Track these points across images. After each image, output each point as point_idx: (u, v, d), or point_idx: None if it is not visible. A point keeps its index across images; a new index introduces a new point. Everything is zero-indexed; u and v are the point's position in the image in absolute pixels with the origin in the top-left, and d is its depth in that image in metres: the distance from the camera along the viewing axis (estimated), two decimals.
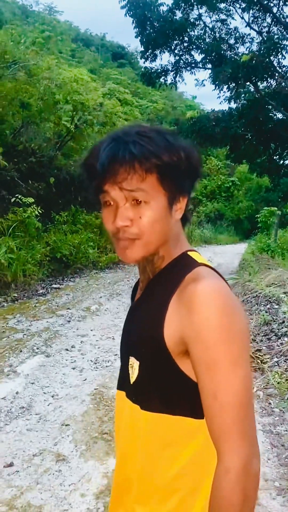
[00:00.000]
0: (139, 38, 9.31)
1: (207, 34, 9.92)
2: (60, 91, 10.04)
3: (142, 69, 10.60)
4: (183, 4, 9.40)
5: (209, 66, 9.85)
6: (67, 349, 4.33)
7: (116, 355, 4.18)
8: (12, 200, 7.42)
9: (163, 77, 10.21)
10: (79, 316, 5.58)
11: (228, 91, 9.69)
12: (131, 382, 0.85)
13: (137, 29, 9.27)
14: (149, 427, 0.81)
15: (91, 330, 5.00)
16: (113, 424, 0.98)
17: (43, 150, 10.23)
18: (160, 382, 0.80)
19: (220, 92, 9.75)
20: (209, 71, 9.86)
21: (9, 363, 3.90)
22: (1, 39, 8.58)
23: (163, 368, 0.78)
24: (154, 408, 0.80)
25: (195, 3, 9.37)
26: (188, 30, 9.58)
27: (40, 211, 7.67)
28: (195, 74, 11.36)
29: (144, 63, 9.79)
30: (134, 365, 0.84)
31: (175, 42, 9.76)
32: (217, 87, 9.51)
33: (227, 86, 9.43)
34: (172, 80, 10.39)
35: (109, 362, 4.01)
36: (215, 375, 0.70)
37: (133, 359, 0.85)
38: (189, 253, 0.84)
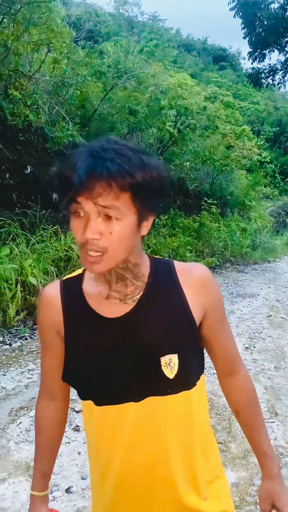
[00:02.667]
0: (248, 38, 9.07)
1: None
2: (165, 97, 10.25)
3: (250, 70, 10.33)
4: None
5: None
6: None
7: None
8: None
9: (271, 77, 9.82)
10: None
11: None
12: (171, 378, 0.88)
13: (245, 29, 9.07)
14: (198, 398, 0.95)
15: None
16: (126, 438, 0.91)
17: None
18: (194, 357, 0.94)
19: None
20: None
21: None
22: (113, 50, 9.04)
23: (195, 345, 0.94)
24: (195, 380, 0.95)
25: None
26: None
27: None
28: None
29: (252, 63, 9.52)
30: (172, 360, 0.88)
31: (285, 39, 9.34)
32: None
33: None
34: (280, 79, 9.97)
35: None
36: (226, 325, 0.99)
37: (169, 356, 0.88)
38: (152, 256, 0.97)
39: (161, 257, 0.99)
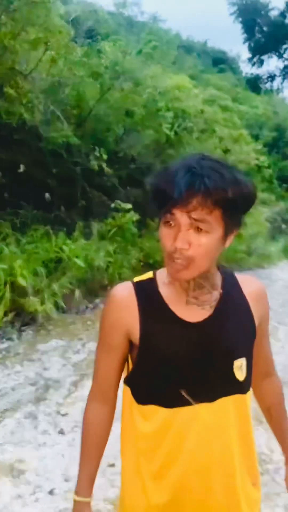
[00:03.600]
0: (247, 44, 9.08)
1: None
2: (162, 99, 10.24)
3: (249, 75, 10.35)
4: None
5: None
6: None
7: None
8: (112, 205, 7.71)
9: (269, 83, 9.85)
10: None
11: None
12: (241, 380, 0.96)
13: (245, 35, 9.08)
14: (248, 402, 1.01)
15: None
16: (194, 438, 0.94)
17: (142, 157, 10.49)
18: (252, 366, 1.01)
19: None
20: None
21: None
22: (111, 50, 9.01)
23: (253, 355, 1.02)
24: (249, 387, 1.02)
25: None
26: None
27: (137, 218, 7.87)
28: None
29: (250, 69, 9.54)
30: (243, 364, 0.96)
31: (284, 46, 9.37)
32: None
33: None
34: (278, 85, 9.99)
35: None
36: (269, 337, 1.11)
37: (241, 360, 0.96)
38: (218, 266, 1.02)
39: (224, 266, 1.04)
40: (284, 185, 22.16)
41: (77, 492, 1.03)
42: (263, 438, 2.90)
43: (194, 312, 0.94)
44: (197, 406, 0.92)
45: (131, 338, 0.95)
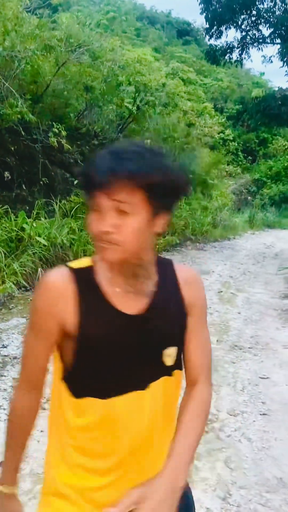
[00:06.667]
0: (204, 14, 8.99)
1: (277, 6, 9.34)
2: (123, 73, 10.07)
3: (207, 47, 10.27)
4: None
5: (278, 41, 9.30)
6: None
7: None
8: (75, 182, 7.66)
9: (228, 55, 9.82)
10: None
11: None
12: (169, 365, 0.99)
13: (202, 5, 8.96)
14: (178, 386, 1.04)
15: None
16: (136, 423, 0.98)
17: (105, 133, 10.37)
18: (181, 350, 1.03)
19: None
20: (278, 46, 9.33)
21: None
22: (67, 22, 8.74)
23: (182, 341, 1.03)
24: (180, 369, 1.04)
25: None
26: (257, 3, 9.08)
27: None
28: (262, 50, 10.82)
29: (208, 40, 9.47)
30: (173, 352, 0.99)
31: (242, 16, 9.34)
32: (285, 63, 8.99)
33: None
34: (237, 57, 9.98)
35: None
36: (205, 331, 1.06)
37: (172, 349, 0.99)
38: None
39: (162, 256, 1.07)
40: (249, 157, 22.41)
41: (2, 482, 1.03)
42: (212, 399, 3.08)
43: (130, 301, 0.95)
44: (131, 395, 0.95)
45: (64, 327, 0.93)
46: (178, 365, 1.03)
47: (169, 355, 0.99)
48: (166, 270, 1.03)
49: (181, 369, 1.04)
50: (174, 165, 0.90)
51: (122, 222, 0.85)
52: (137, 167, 0.82)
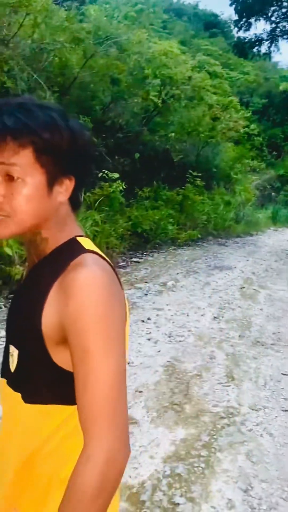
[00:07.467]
0: (234, 6, 8.84)
1: None
2: (149, 66, 10.03)
3: (235, 39, 10.12)
4: None
5: None
6: (143, 321, 4.52)
7: (190, 331, 4.28)
8: (99, 175, 7.72)
9: (256, 47, 9.66)
10: (155, 290, 5.75)
11: None
12: (12, 371, 0.82)
13: None
14: (27, 417, 0.80)
15: (166, 304, 5.14)
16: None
17: (130, 126, 10.38)
18: (35, 372, 0.79)
19: None
20: None
21: None
22: (95, 14, 8.76)
23: (37, 358, 0.77)
24: (30, 398, 0.79)
25: None
26: None
27: (125, 187, 7.90)
28: None
29: (237, 32, 9.32)
30: (14, 354, 0.81)
31: (272, 8, 9.13)
32: None
33: None
34: (266, 50, 9.81)
35: (182, 337, 4.13)
36: (87, 363, 0.69)
37: (13, 348, 0.82)
38: (78, 238, 0.81)
39: (86, 243, 0.81)
40: (274, 152, 22.03)
41: None
42: (234, 393, 3.11)
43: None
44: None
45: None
46: (22, 389, 0.80)
47: (12, 355, 0.82)
48: (61, 257, 0.78)
49: (25, 399, 0.79)
50: (70, 123, 0.77)
51: (11, 189, 0.73)
52: (16, 121, 0.70)
